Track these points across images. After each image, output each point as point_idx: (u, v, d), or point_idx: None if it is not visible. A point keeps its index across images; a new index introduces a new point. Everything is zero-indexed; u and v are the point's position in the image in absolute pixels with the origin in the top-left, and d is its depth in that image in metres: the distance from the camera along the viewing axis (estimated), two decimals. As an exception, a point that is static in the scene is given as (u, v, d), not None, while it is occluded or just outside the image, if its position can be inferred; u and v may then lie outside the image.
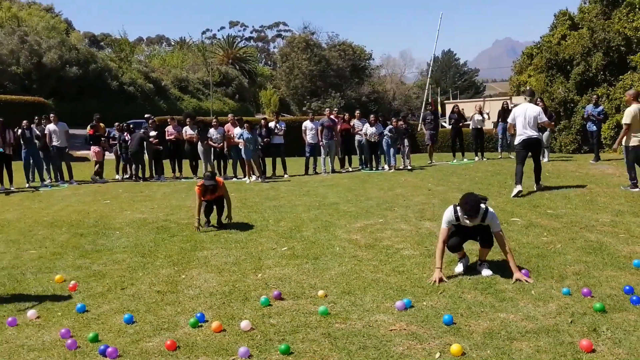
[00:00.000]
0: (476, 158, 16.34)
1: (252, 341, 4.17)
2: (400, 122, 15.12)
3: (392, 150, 14.87)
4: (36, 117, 14.59)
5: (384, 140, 14.95)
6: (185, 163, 15.67)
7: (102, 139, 15.11)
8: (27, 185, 13.95)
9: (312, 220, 8.57)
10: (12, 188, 13.59)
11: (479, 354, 3.76)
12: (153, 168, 15.26)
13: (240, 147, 13.94)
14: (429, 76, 37.52)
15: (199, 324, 4.53)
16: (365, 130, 15.27)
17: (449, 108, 35.03)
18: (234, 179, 14.57)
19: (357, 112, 16.28)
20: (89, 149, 16.04)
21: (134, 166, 15.12)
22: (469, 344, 3.91)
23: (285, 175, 14.90)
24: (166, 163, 15.62)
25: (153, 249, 7.22)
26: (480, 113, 16.08)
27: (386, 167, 15.44)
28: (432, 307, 4.68)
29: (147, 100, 48.34)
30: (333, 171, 15.38)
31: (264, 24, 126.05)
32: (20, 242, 7.84)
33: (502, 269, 5.48)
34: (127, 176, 15.46)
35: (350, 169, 15.86)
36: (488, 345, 3.89)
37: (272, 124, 15.05)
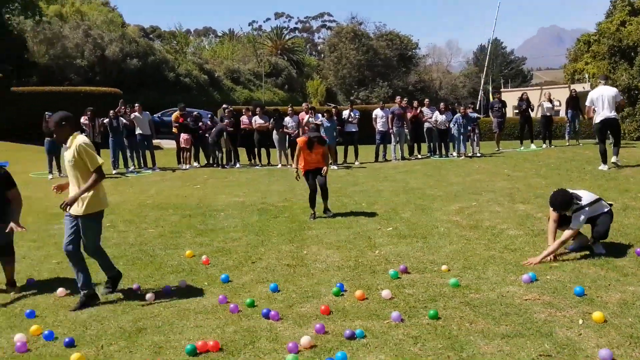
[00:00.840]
0: (544, 145, 16.35)
1: (396, 308, 4.56)
2: (470, 110, 15.27)
3: (462, 137, 15.04)
4: (123, 107, 15.34)
5: (454, 127, 15.14)
6: (261, 151, 16.21)
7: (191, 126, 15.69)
8: (113, 171, 14.73)
9: (404, 204, 8.92)
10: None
11: (621, 321, 4.04)
12: (231, 156, 15.90)
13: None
14: (486, 65, 37.04)
15: (341, 293, 4.95)
16: (435, 117, 15.48)
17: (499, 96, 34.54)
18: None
19: (427, 100, 16.51)
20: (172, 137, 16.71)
21: (210, 154, 15.82)
22: (607, 313, 4.19)
23: (357, 163, 15.27)
24: (241, 150, 16.23)
25: (263, 228, 7.71)
26: (550, 101, 16.06)
27: (454, 154, 15.63)
28: (557, 281, 4.97)
29: (202, 91, 49.39)
30: (403, 158, 15.66)
31: (309, 15, 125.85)
32: (136, 222, 8.47)
33: (616, 248, 5.71)
34: (203, 164, 16.08)
35: (420, 156, 16.11)
36: (626, 314, 4.16)
37: (345, 113, 15.42)
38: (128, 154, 15.33)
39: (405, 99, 16.26)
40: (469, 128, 15.11)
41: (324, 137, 8.43)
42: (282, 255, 6.34)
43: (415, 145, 16.44)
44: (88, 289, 5.05)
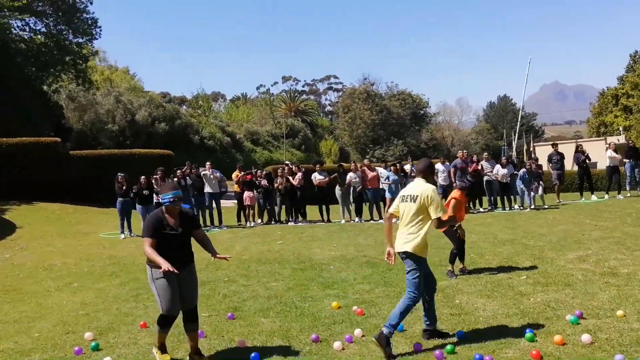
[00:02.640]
0: (606, 196, 16.41)
1: (605, 352, 4.53)
2: (533, 164, 15.50)
3: (526, 190, 15.18)
4: (192, 166, 15.58)
5: (517, 181, 15.29)
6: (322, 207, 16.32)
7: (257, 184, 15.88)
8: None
9: (516, 254, 8.93)
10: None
11: None
12: (292, 212, 16.02)
13: (385, 187, 14.60)
14: (519, 121, 37.59)
15: (535, 339, 4.93)
16: (497, 171, 15.65)
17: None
18: (371, 221, 15.10)
19: (485, 154, 16.74)
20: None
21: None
22: None
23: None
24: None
25: (388, 281, 7.71)
26: (615, 151, 16.24)
27: (516, 206, 15.73)
28: None
29: (225, 152, 50.17)
30: (467, 211, 15.69)
31: (315, 77, 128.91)
32: (253, 276, 8.48)
33: None
34: (263, 221, 16.16)
35: (482, 210, 16.17)
36: None
37: (407, 167, 15.64)
38: (194, 212, 15.45)
39: (465, 152, 16.47)
40: (534, 183, 15.28)
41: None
42: (436, 305, 6.30)
43: (477, 199, 16.54)
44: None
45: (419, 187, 5.26)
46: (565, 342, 4.79)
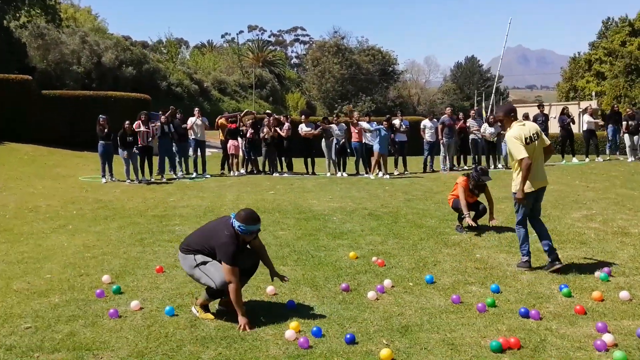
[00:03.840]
0: (587, 159, 16.72)
1: (645, 307, 4.58)
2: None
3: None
4: (176, 111, 15.02)
5: (503, 140, 15.36)
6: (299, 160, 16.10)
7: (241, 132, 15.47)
8: (160, 177, 14.40)
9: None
10: (151, 179, 14.10)
11: None
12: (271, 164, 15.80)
13: (370, 142, 14.41)
14: (496, 78, 37.73)
15: (571, 295, 4.93)
16: (484, 130, 15.67)
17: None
18: (358, 175, 14.99)
19: (472, 111, 16.70)
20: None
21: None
22: None
23: (406, 172, 15.33)
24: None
25: (398, 233, 7.64)
26: (592, 115, 16.47)
27: (500, 165, 15.87)
28: None
29: (192, 100, 48.95)
30: (451, 169, 15.79)
31: (282, 28, 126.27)
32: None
33: None
34: (247, 170, 15.87)
35: (466, 167, 16.25)
36: None
37: (396, 122, 15.48)
38: (177, 160, 15.02)
39: (450, 109, 16.39)
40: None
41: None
42: (457, 258, 6.29)
43: (462, 156, 16.61)
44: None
45: (531, 125, 5.72)
46: (604, 299, 4.80)
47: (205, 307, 4.64)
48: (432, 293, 5.12)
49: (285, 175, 15.24)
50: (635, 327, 4.11)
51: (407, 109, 69.04)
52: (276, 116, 16.40)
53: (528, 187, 5.54)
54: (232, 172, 15.44)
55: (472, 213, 7.66)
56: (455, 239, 7.20)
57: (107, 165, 13.85)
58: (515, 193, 5.63)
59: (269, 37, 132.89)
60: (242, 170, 15.89)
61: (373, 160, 14.68)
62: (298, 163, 16.13)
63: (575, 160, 16.64)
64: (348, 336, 3.99)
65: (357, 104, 63.86)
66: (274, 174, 15.38)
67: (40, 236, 7.76)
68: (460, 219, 7.71)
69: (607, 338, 3.83)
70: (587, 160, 16.65)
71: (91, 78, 38.10)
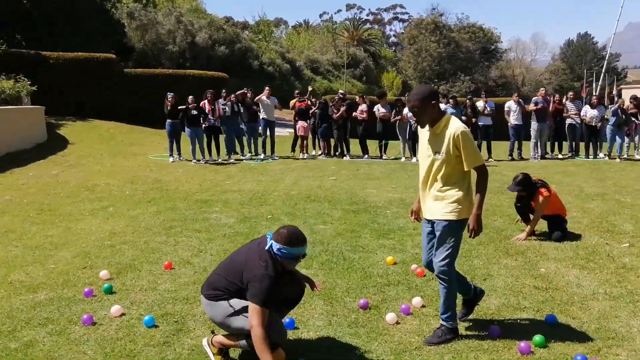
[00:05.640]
0: None
1: None
2: (630, 104, 13.55)
3: (618, 136, 13.38)
4: (248, 92, 14.60)
5: (607, 125, 13.51)
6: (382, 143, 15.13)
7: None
8: (228, 158, 14.01)
9: (610, 213, 7.58)
10: (219, 159, 13.76)
11: None
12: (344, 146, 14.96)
13: None
14: (606, 58, 34.42)
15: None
16: (585, 113, 13.85)
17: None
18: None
19: (571, 93, 14.86)
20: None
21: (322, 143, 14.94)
22: None
23: (491, 160, 13.93)
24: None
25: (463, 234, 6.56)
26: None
27: (601, 155, 14.04)
28: None
29: (284, 79, 49.02)
30: (543, 157, 14.17)
31: (380, 6, 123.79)
32: (299, 216, 7.52)
33: None
34: (318, 153, 15.16)
35: (560, 156, 14.53)
36: None
37: (480, 104, 14.08)
38: (245, 140, 14.59)
39: (544, 89, 14.63)
40: (627, 126, 13.43)
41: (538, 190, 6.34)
42: (515, 272, 5.17)
43: (557, 143, 14.87)
44: (453, 321, 3.81)
45: None
46: None
47: (223, 351, 3.50)
48: (469, 319, 4.11)
49: (359, 160, 14.36)
50: None
51: (511, 90, 65.35)
52: (341, 95, 15.41)
53: None
54: (301, 154, 14.79)
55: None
56: (520, 246, 6.03)
57: (174, 144, 13.66)
58: None
59: (367, 15, 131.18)
60: (314, 153, 15.21)
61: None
62: (373, 145, 15.20)
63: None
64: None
65: (455, 84, 61.26)
66: (345, 157, 14.56)
67: (76, 218, 7.48)
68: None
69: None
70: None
71: (185, 57, 38.97)
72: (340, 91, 16.71)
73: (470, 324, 4.04)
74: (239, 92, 14.44)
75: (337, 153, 15.01)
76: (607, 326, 3.94)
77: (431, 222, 3.77)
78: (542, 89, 14.86)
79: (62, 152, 14.17)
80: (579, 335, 3.81)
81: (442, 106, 13.30)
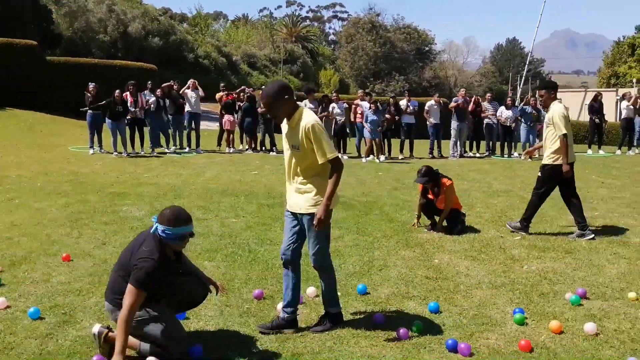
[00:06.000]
0: (618, 151, 15.36)
1: (612, 349, 3.63)
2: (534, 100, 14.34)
3: (531, 134, 14.12)
4: (174, 84, 14.38)
5: (521, 126, 14.20)
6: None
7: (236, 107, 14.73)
8: (152, 151, 13.76)
9: (510, 208, 7.99)
10: (141, 152, 13.51)
11: None
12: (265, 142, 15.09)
13: (365, 127, 13.47)
14: (527, 64, 35.97)
15: (525, 321, 4.00)
16: (500, 113, 14.49)
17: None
18: (360, 159, 14.08)
19: (488, 94, 15.50)
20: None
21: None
22: None
23: (412, 158, 14.34)
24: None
25: (361, 227, 6.76)
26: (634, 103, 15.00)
27: (516, 154, 14.75)
28: None
29: (220, 73, 48.38)
30: (461, 155, 14.70)
31: (320, 4, 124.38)
32: (212, 209, 7.52)
33: None
34: (245, 148, 15.14)
35: (478, 155, 15.13)
36: None
37: (402, 103, 14.45)
38: (171, 132, 14.37)
39: (464, 90, 15.18)
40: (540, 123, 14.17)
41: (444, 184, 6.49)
42: (410, 262, 5.39)
43: (474, 142, 15.47)
44: (293, 312, 3.87)
45: None
46: (564, 331, 3.85)
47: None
48: (357, 308, 4.26)
49: (274, 153, 14.44)
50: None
51: (444, 91, 67.10)
52: (248, 90, 15.42)
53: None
54: (227, 148, 14.71)
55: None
56: (421, 238, 6.28)
57: (95, 136, 13.29)
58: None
59: (307, 12, 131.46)
60: (241, 147, 15.17)
61: (365, 146, 13.90)
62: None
63: (601, 152, 15.30)
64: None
65: (390, 83, 62.35)
66: (271, 153, 14.60)
67: (-24, 211, 7.17)
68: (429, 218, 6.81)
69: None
70: (619, 152, 15.28)
71: (117, 47, 37.83)
72: (243, 86, 16.65)
73: (357, 313, 4.18)
74: (164, 85, 14.22)
75: (262, 148, 15.03)
76: (485, 313, 4.18)
77: (294, 214, 3.82)
78: (462, 89, 15.42)
79: (-28, 142, 13.52)
80: (457, 321, 4.03)
81: (366, 104, 13.66)
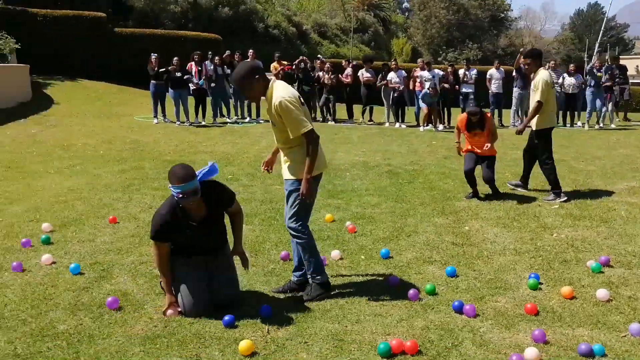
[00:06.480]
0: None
1: (622, 315, 3.61)
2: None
3: (597, 103, 13.53)
4: (235, 54, 14.77)
5: (587, 91, 13.63)
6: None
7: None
8: (213, 120, 14.22)
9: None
10: (203, 122, 13.99)
11: None
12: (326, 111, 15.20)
13: (426, 91, 13.28)
14: (602, 27, 33.64)
15: (539, 286, 4.03)
16: (563, 81, 13.92)
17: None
18: (421, 127, 13.99)
19: (552, 62, 14.86)
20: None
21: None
22: None
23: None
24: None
25: (401, 195, 6.85)
26: None
27: (579, 123, 14.18)
28: None
29: (289, 43, 48.52)
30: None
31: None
32: (259, 177, 7.80)
33: None
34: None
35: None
36: None
37: (461, 72, 14.16)
38: (232, 103, 14.80)
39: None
40: (605, 95, 13.53)
41: (485, 114, 6.64)
42: (440, 229, 5.46)
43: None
44: (302, 275, 4.03)
45: None
46: (575, 296, 3.86)
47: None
48: (376, 271, 4.42)
49: (342, 124, 14.56)
50: (588, 338, 3.23)
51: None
52: (322, 59, 15.53)
53: None
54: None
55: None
56: (457, 207, 6.30)
57: (159, 106, 13.90)
58: None
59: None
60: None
61: (421, 115, 13.74)
62: (358, 110, 15.38)
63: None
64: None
65: (463, 52, 60.58)
66: (329, 122, 14.76)
67: (40, 176, 7.79)
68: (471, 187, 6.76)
69: (530, 354, 3.00)
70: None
71: (187, 18, 38.78)
72: (318, 55, 16.74)
73: (376, 275, 4.34)
74: (225, 55, 14.59)
75: (325, 117, 15.19)
76: (501, 277, 4.23)
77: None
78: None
79: (45, 112, 14.47)
80: (471, 285, 4.10)
81: (426, 74, 13.50)
